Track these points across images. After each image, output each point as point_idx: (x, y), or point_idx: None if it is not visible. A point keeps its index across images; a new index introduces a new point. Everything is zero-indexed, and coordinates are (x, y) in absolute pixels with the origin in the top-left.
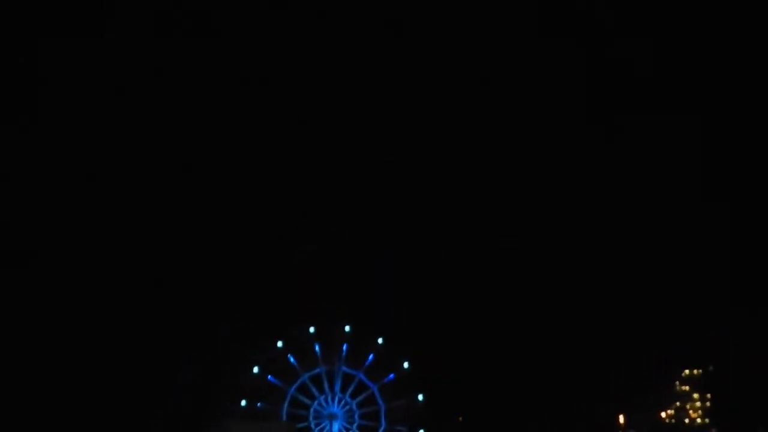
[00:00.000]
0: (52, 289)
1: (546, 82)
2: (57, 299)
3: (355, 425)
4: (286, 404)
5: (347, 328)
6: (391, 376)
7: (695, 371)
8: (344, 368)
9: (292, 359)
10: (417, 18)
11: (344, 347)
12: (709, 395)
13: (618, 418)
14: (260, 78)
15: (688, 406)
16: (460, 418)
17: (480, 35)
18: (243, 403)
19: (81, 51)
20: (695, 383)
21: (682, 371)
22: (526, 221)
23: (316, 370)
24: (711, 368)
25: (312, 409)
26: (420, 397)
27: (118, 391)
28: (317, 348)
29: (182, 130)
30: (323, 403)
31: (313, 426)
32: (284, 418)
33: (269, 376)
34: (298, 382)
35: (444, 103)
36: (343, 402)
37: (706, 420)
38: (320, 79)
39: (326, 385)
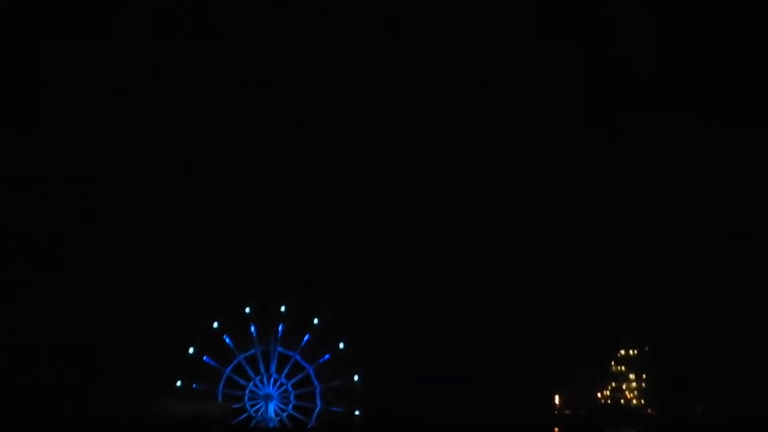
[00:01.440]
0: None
1: (546, 82)
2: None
3: (290, 406)
4: (221, 385)
5: (283, 308)
6: (327, 356)
7: (631, 351)
8: (280, 349)
9: (227, 340)
10: (417, 18)
11: (280, 327)
12: (644, 375)
13: (553, 399)
14: (260, 78)
15: (624, 387)
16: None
17: (480, 35)
18: (178, 383)
19: (81, 51)
20: (631, 363)
21: (618, 351)
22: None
23: (252, 351)
24: (647, 348)
25: (247, 390)
26: (356, 377)
27: (54, 370)
28: (253, 328)
29: (182, 130)
30: (258, 384)
31: (248, 407)
32: (220, 398)
33: (205, 357)
34: (234, 362)
35: (444, 103)
36: (278, 383)
37: (642, 401)
38: (320, 78)
39: (262, 366)
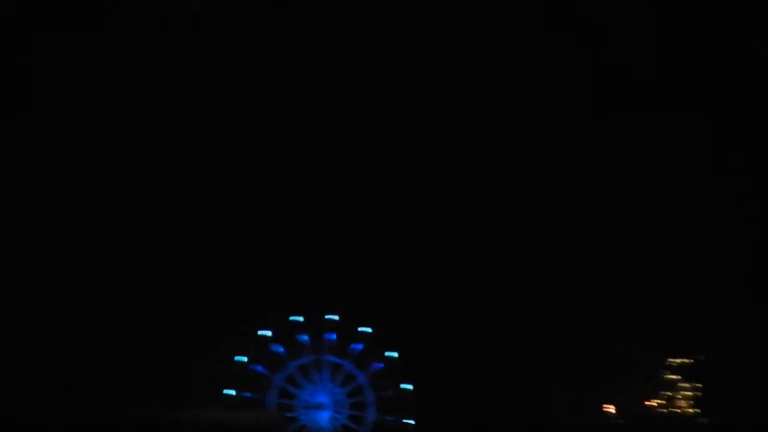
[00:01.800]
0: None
1: (546, 82)
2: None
3: (343, 415)
4: (273, 394)
5: (336, 318)
6: (380, 365)
7: (685, 360)
8: (332, 358)
9: (279, 348)
10: (417, 18)
11: (333, 337)
12: (699, 385)
13: (608, 408)
14: (260, 78)
15: (678, 395)
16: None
17: (479, 35)
18: (229, 392)
19: (81, 50)
20: (685, 371)
21: (672, 360)
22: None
23: (304, 360)
24: (701, 357)
25: (299, 399)
26: (409, 386)
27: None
28: (305, 337)
29: (182, 130)
30: (311, 393)
31: (300, 416)
32: (271, 408)
33: (257, 366)
34: (286, 371)
35: (444, 103)
36: (331, 392)
37: (695, 409)
38: (320, 78)
39: (314, 375)
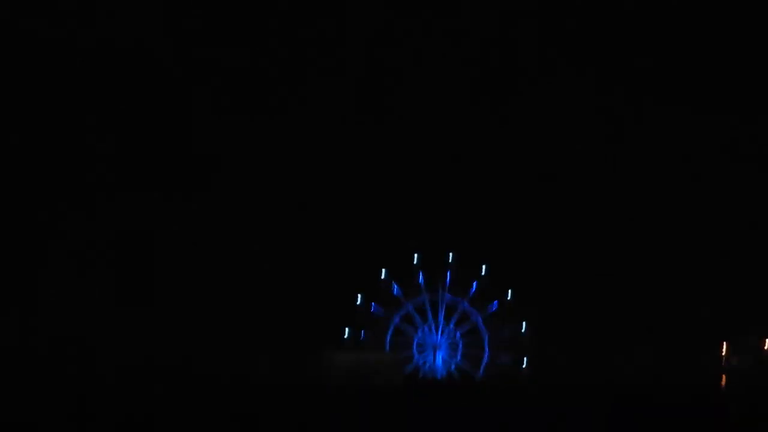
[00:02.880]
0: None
1: (546, 82)
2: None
3: (458, 355)
4: (389, 334)
5: (451, 257)
6: (495, 304)
7: None
8: (448, 297)
9: (395, 288)
10: (417, 18)
11: (448, 275)
12: None
13: (721, 345)
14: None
15: None
16: None
17: (479, 35)
18: (346, 332)
19: (81, 49)
20: None
21: None
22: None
23: (419, 300)
24: None
25: (415, 339)
26: (524, 326)
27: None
28: (421, 277)
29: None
30: (426, 333)
31: (416, 356)
32: (387, 348)
33: (372, 306)
34: (402, 311)
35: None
36: (446, 332)
37: None
38: (321, 79)
39: (430, 315)
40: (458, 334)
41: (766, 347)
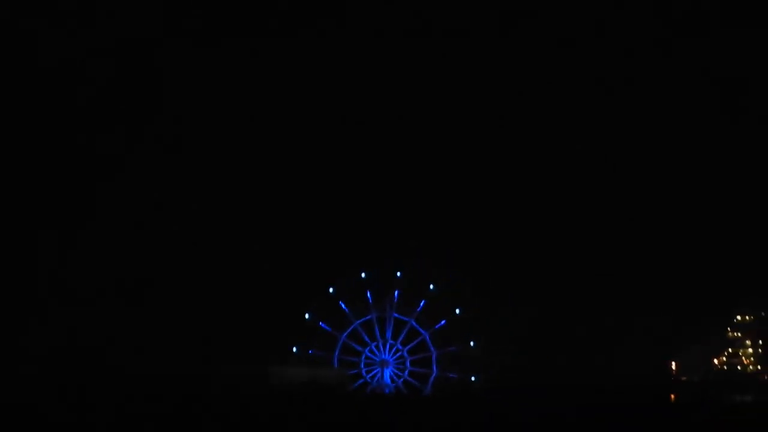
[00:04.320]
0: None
1: (548, 82)
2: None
3: (406, 372)
4: (337, 351)
5: (398, 275)
6: (443, 322)
7: (747, 317)
8: (395, 315)
9: (343, 306)
10: (418, 18)
11: (396, 294)
12: (761, 341)
13: (670, 365)
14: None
15: (740, 353)
16: None
17: (479, 34)
18: (294, 349)
19: (81, 48)
20: (747, 329)
21: (735, 317)
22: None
23: (368, 317)
24: (764, 314)
25: (363, 356)
26: (472, 343)
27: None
28: (369, 294)
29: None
30: (374, 350)
31: (364, 372)
32: (336, 364)
33: (321, 323)
34: (350, 328)
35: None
36: (394, 349)
37: (759, 367)
38: (322, 81)
39: (377, 332)
40: (406, 351)
41: (714, 362)
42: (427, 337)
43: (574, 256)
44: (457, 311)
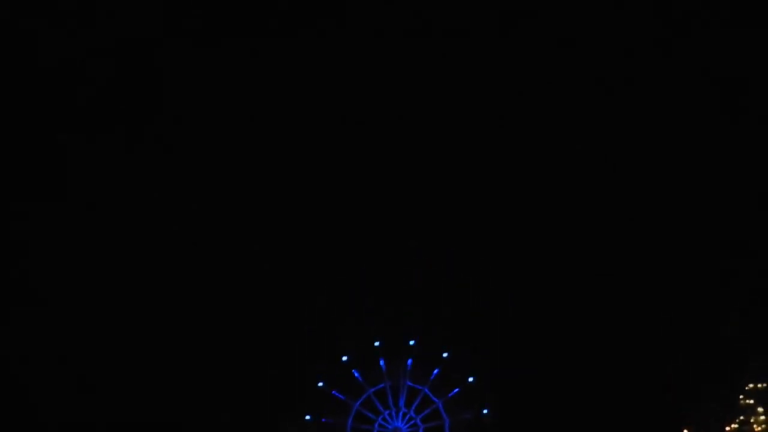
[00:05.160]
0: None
1: (548, 82)
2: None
3: None
4: (350, 419)
5: (412, 343)
6: (456, 390)
7: (760, 385)
8: (409, 383)
9: (356, 374)
10: (418, 18)
11: (409, 362)
12: None
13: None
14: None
15: (752, 420)
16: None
17: (479, 34)
18: (308, 417)
19: (81, 48)
20: (760, 397)
21: (747, 384)
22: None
23: (381, 385)
24: None
25: (376, 424)
26: (485, 411)
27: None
28: (382, 363)
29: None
30: (387, 419)
31: None
32: None
33: (333, 391)
34: (363, 396)
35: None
36: (407, 417)
37: None
38: (322, 81)
39: (391, 400)
40: (419, 420)
41: (726, 430)
42: (440, 406)
43: (582, 327)
44: (470, 379)
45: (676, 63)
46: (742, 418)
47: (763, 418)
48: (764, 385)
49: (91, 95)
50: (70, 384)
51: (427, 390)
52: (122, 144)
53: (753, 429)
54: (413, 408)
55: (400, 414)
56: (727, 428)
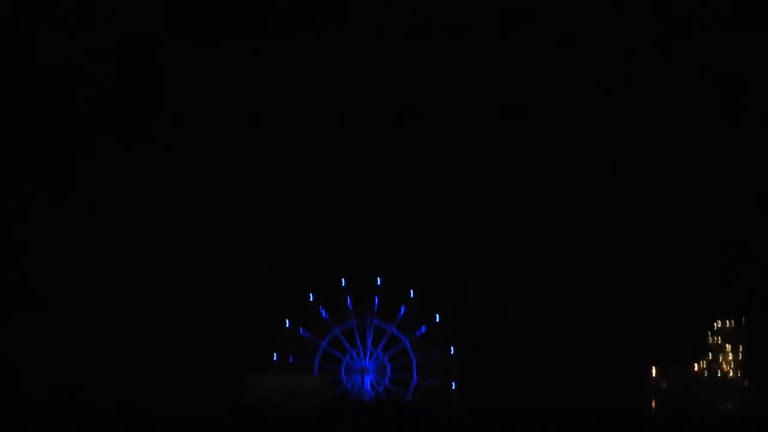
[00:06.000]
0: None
1: (548, 82)
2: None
3: (386, 379)
4: (317, 358)
5: (378, 281)
6: (423, 328)
7: (727, 323)
8: (376, 321)
9: (323, 313)
10: (418, 18)
11: (376, 300)
12: (741, 347)
13: (650, 370)
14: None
15: (720, 358)
16: None
17: (479, 34)
18: (274, 356)
19: (81, 48)
20: (727, 335)
21: (714, 323)
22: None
23: (348, 324)
24: (743, 319)
25: (344, 363)
26: (452, 349)
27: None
28: (349, 301)
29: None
30: (355, 357)
31: (344, 380)
32: (316, 371)
33: (300, 330)
34: (330, 335)
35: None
36: (374, 356)
37: (738, 372)
38: (322, 81)
39: (358, 339)
40: (386, 358)
41: (694, 368)
42: (408, 344)
43: (554, 259)
44: (437, 318)
45: (676, 63)
46: (710, 356)
47: (731, 356)
48: (732, 323)
49: (91, 95)
50: (70, 383)
51: (394, 329)
52: (122, 144)
53: (721, 367)
54: (380, 347)
55: (368, 353)
56: (695, 366)
